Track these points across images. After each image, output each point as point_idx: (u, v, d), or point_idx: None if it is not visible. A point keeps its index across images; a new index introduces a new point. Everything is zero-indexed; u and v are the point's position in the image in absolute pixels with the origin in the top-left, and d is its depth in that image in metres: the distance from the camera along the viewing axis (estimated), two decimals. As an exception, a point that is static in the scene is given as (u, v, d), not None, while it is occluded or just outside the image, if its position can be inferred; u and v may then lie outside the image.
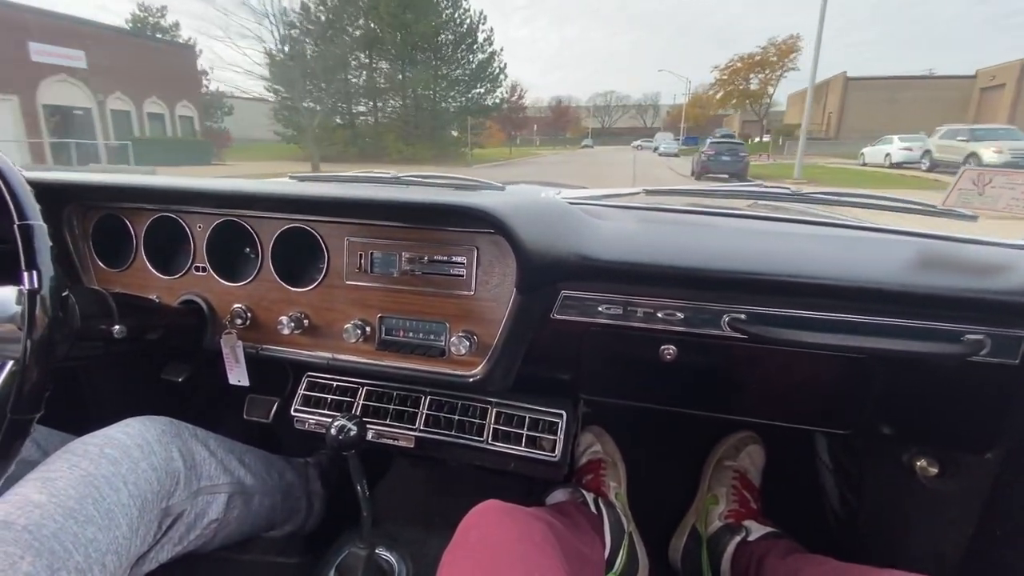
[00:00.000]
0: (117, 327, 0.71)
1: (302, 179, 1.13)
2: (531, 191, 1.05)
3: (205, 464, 0.72)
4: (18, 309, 0.56)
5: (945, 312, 0.63)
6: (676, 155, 29.47)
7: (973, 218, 0.74)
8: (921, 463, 0.80)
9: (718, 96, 43.18)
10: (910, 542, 0.88)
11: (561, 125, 66.25)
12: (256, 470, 0.82)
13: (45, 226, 0.52)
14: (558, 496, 1.00)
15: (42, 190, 0.84)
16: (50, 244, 0.52)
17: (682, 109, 49.27)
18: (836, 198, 0.81)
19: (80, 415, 1.07)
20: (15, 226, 0.51)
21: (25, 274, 0.50)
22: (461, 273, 0.79)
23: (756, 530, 0.93)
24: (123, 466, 0.59)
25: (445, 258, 0.79)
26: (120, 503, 0.56)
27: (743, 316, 0.68)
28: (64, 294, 0.62)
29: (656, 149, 33.78)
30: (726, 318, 0.68)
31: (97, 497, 0.54)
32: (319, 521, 1.00)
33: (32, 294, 0.50)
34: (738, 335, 0.68)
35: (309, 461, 1.05)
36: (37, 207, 0.53)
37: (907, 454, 0.82)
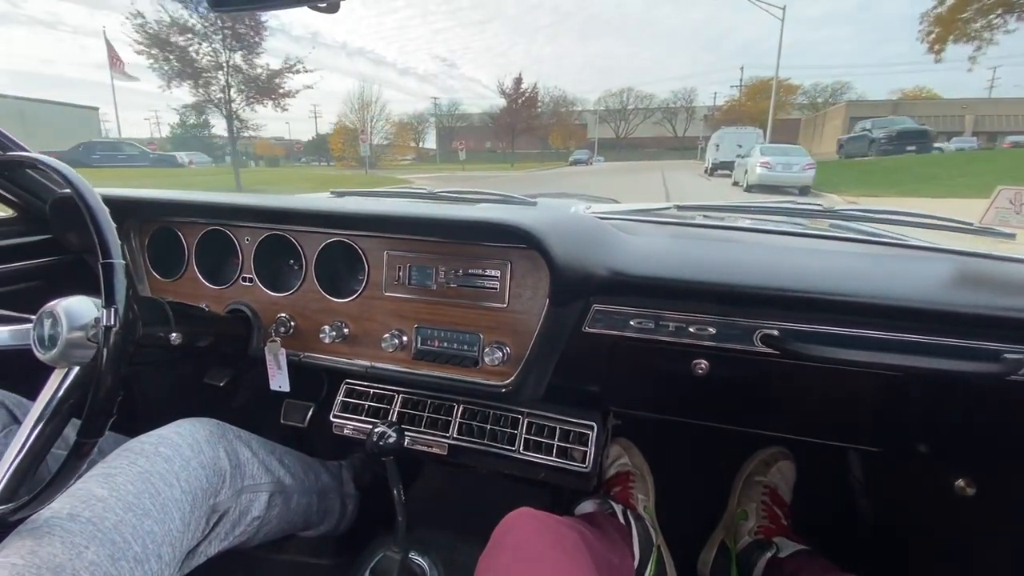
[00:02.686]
0: (174, 334, 0.76)
1: (340, 194, 1.18)
2: (562, 205, 1.08)
3: (248, 464, 0.75)
4: (91, 319, 0.61)
5: (984, 330, 0.62)
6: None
7: (1011, 236, 0.73)
8: (959, 483, 0.78)
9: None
10: (947, 563, 0.86)
11: (529, 129, 46.62)
12: (294, 471, 0.86)
13: (124, 263, 0.57)
14: (587, 507, 1.01)
15: (110, 207, 0.91)
16: (126, 283, 0.56)
17: (736, 103, 41.93)
18: (869, 214, 0.81)
19: (129, 416, 1.13)
20: (99, 263, 0.55)
21: (105, 311, 0.54)
22: (495, 286, 0.81)
23: (787, 547, 0.92)
24: (176, 464, 0.63)
25: (479, 271, 0.82)
26: (174, 498, 0.60)
27: (776, 332, 0.68)
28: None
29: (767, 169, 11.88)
30: (758, 334, 0.69)
31: (153, 492, 0.59)
32: (352, 523, 1.03)
33: (107, 330, 0.54)
34: (771, 351, 0.69)
35: (343, 464, 1.09)
36: (119, 245, 0.57)
37: (944, 474, 0.80)
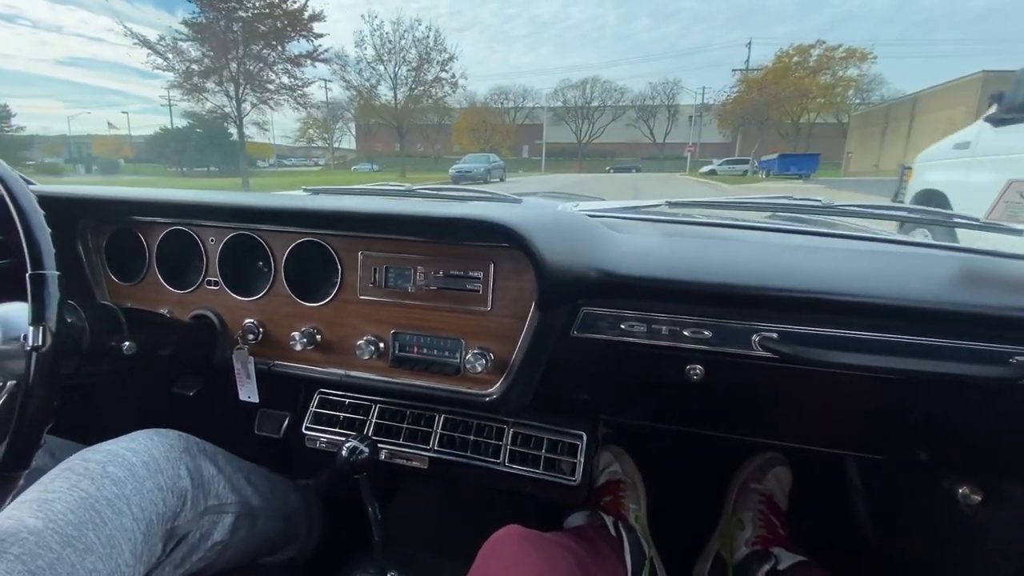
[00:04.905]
0: (127, 343, 0.70)
1: (316, 192, 1.12)
2: (548, 203, 1.03)
3: (213, 482, 0.69)
4: (26, 330, 0.55)
5: (991, 332, 0.59)
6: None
7: (1021, 232, 0.70)
8: (963, 490, 0.75)
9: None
10: (948, 573, 0.83)
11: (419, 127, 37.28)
12: (263, 491, 0.80)
13: (58, 274, 0.51)
14: (576, 519, 0.97)
15: (56, 204, 0.84)
16: (58, 297, 0.50)
17: (745, 89, 30.72)
18: (869, 210, 0.78)
19: (93, 426, 1.06)
20: (27, 275, 0.49)
21: (32, 329, 0.48)
22: (477, 288, 0.76)
23: (786, 558, 0.88)
24: (127, 487, 0.55)
25: (461, 273, 0.77)
26: (123, 528, 0.53)
27: (775, 335, 0.64)
28: (70, 320, 0.61)
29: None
30: (756, 337, 0.65)
31: (98, 522, 0.51)
32: (315, 547, 0.96)
33: (34, 351, 0.48)
34: (769, 354, 0.65)
35: (310, 484, 1.02)
36: (53, 253, 0.52)
37: (948, 481, 0.77)
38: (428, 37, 30.41)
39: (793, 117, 32.61)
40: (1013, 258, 0.69)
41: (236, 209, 0.81)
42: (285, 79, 21.72)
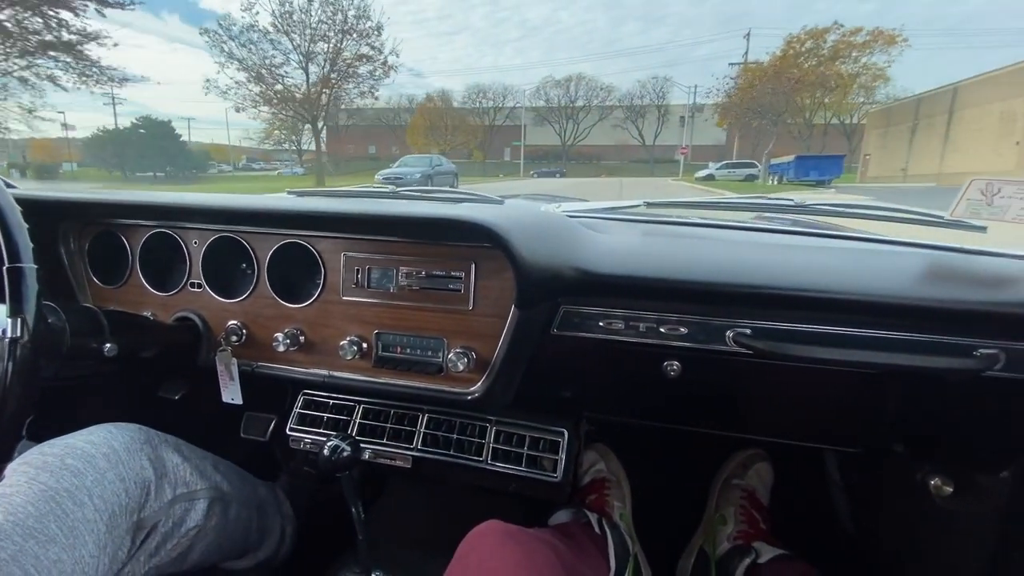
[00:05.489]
0: (108, 345, 0.70)
1: (301, 194, 1.13)
2: (531, 205, 1.05)
3: (179, 470, 0.69)
4: (5, 324, 0.55)
5: (957, 326, 0.61)
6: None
7: (982, 229, 0.72)
8: (935, 482, 0.77)
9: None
10: (925, 563, 0.85)
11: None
12: (231, 478, 0.80)
13: (35, 268, 0.51)
14: (561, 516, 0.98)
15: (38, 207, 0.84)
16: (36, 289, 0.51)
17: (753, 77, 26.02)
18: (840, 209, 0.80)
19: (77, 430, 1.05)
20: (4, 269, 0.49)
21: (10, 321, 0.49)
22: (459, 288, 0.77)
23: (766, 552, 0.89)
24: (88, 478, 0.55)
25: (443, 273, 0.78)
26: (85, 518, 0.53)
27: (748, 331, 0.66)
28: (50, 321, 0.61)
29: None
30: (731, 333, 0.67)
31: (59, 513, 0.51)
32: (292, 550, 0.95)
33: (14, 343, 0.48)
34: (743, 350, 0.66)
35: (276, 484, 1.01)
36: (30, 248, 0.52)
37: (921, 472, 0.79)
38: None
39: (807, 112, 26.92)
40: (976, 254, 0.71)
41: (219, 211, 0.82)
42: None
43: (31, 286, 0.50)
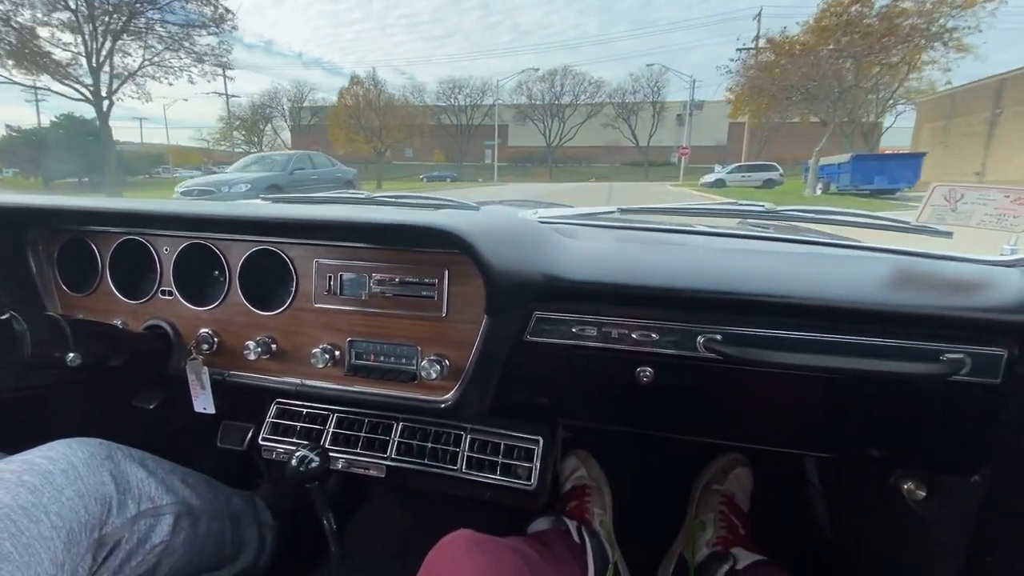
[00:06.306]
0: (71, 355, 0.69)
1: (275, 200, 1.12)
2: (507, 211, 1.04)
3: (143, 485, 0.67)
4: None
5: (922, 331, 0.61)
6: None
7: (948, 234, 0.73)
8: (908, 486, 0.77)
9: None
10: (900, 568, 0.85)
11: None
12: (201, 491, 0.78)
13: None
14: (540, 524, 0.97)
15: (5, 214, 0.83)
16: None
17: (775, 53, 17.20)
18: (811, 215, 0.81)
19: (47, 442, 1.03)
20: None
21: None
22: (432, 295, 0.77)
23: (744, 558, 0.89)
24: (44, 495, 0.54)
25: (416, 280, 0.77)
26: (41, 535, 0.52)
27: (718, 336, 0.66)
28: (12, 328, 0.60)
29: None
30: (701, 339, 0.66)
31: (14, 531, 0.50)
32: (272, 559, 0.94)
33: None
34: (715, 356, 0.66)
35: (254, 493, 1.00)
36: None
37: (895, 476, 0.79)
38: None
39: (880, 87, 17.09)
40: (941, 259, 0.72)
41: (190, 218, 0.81)
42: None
43: None
